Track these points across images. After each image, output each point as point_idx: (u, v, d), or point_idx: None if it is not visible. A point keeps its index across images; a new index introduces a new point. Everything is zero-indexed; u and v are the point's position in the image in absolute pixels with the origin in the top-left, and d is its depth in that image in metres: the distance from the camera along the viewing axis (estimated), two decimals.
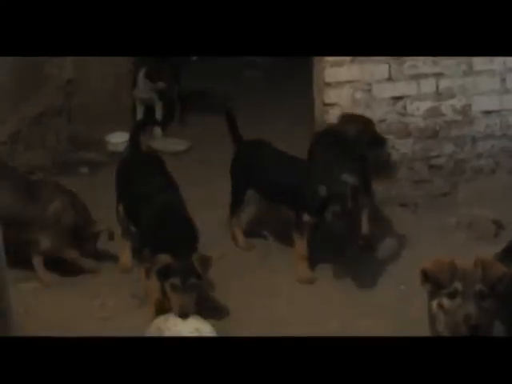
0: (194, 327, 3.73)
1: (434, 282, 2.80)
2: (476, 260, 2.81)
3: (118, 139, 5.87)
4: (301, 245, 4.31)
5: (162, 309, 3.90)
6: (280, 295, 4.13)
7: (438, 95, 4.98)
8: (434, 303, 2.81)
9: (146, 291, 4.04)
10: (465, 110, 5.05)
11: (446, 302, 2.77)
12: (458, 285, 2.76)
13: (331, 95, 4.93)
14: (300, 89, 5.49)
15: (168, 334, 3.68)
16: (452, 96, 5.01)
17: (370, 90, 4.95)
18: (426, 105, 4.98)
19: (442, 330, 2.81)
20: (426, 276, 2.83)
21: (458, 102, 5.03)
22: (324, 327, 3.84)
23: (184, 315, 3.72)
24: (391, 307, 3.98)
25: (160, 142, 6.03)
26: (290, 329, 3.82)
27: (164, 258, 3.76)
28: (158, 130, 6.17)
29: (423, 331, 2.93)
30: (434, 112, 5.00)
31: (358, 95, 4.94)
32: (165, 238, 3.89)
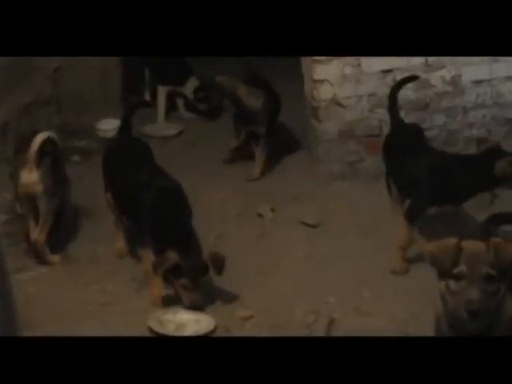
0: (194, 318, 3.75)
1: (438, 265, 2.75)
2: (489, 242, 2.74)
3: (108, 126, 5.84)
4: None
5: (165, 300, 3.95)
6: (279, 272, 4.14)
7: (428, 67, 4.97)
8: (442, 284, 2.76)
9: (144, 266, 4.03)
10: (455, 81, 5.04)
11: (452, 283, 2.71)
12: (462, 268, 2.69)
13: (320, 71, 4.92)
14: (289, 67, 5.47)
15: (168, 326, 3.71)
16: (441, 67, 5.00)
17: (359, 65, 4.94)
18: None
19: (447, 312, 2.75)
20: (430, 256, 2.78)
21: (447, 73, 5.02)
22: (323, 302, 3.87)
23: (194, 309, 3.80)
24: (389, 281, 4.00)
25: (151, 126, 6.01)
26: (291, 305, 3.85)
27: (172, 257, 3.76)
28: (161, 116, 6.17)
29: None
30: (424, 84, 4.99)
31: (348, 70, 4.93)
32: (165, 224, 3.91)
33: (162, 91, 6.21)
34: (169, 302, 3.93)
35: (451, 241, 2.78)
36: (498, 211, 3.91)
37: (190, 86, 6.20)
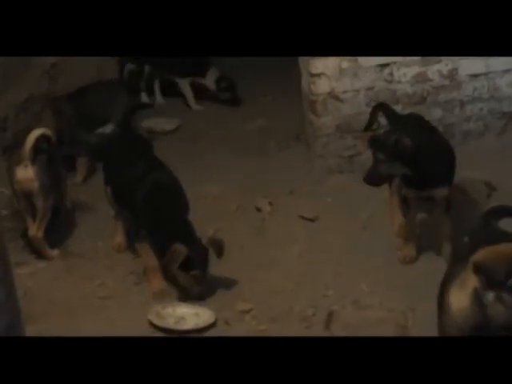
0: (194, 312, 3.77)
1: (488, 276, 2.60)
2: None
3: None
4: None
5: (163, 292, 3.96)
6: (278, 265, 4.15)
7: (425, 60, 4.98)
8: (491, 295, 2.61)
9: (143, 260, 4.05)
10: (452, 75, 5.05)
11: (506, 296, 2.58)
12: None
13: (318, 66, 4.92)
14: (286, 61, 5.47)
15: (168, 319, 3.74)
16: (438, 61, 5.01)
17: (356, 59, 4.94)
18: (413, 71, 4.98)
19: (501, 323, 2.62)
20: (479, 268, 2.62)
21: (444, 67, 5.03)
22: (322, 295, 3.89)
23: (201, 299, 3.84)
24: (387, 273, 4.02)
25: (150, 121, 6.02)
26: (290, 298, 3.86)
27: (181, 250, 3.77)
28: (193, 104, 6.41)
29: None
30: (421, 77, 5.01)
31: (345, 64, 4.93)
32: (160, 219, 3.91)
33: (184, 83, 6.41)
34: (169, 294, 3.95)
35: (503, 248, 2.64)
36: (496, 204, 3.91)
37: (211, 77, 6.40)
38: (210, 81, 6.40)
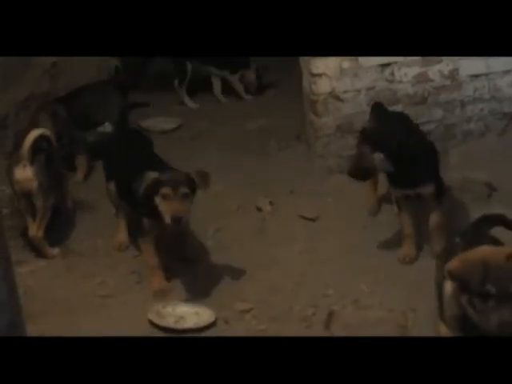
0: (194, 311, 3.77)
1: (462, 283, 2.63)
2: (508, 254, 2.61)
3: None
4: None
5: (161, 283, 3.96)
6: (278, 265, 4.15)
7: (425, 61, 4.98)
8: (464, 298, 2.65)
9: (145, 258, 4.04)
10: (453, 75, 5.06)
11: (477, 302, 2.61)
12: (490, 288, 2.56)
13: (318, 65, 4.92)
14: (286, 61, 5.48)
15: (168, 319, 3.74)
16: (439, 61, 5.02)
17: (356, 59, 4.94)
18: (414, 71, 4.98)
19: (473, 325, 2.65)
20: (452, 277, 2.66)
21: (445, 67, 5.04)
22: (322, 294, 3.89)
23: (176, 220, 3.65)
24: (388, 273, 4.02)
25: (151, 120, 6.03)
26: (290, 298, 3.87)
27: (151, 175, 3.72)
28: (243, 95, 6.62)
29: None
30: (421, 78, 5.01)
31: (345, 64, 4.94)
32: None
33: (234, 79, 6.59)
34: (169, 293, 3.95)
35: (477, 256, 2.65)
36: (493, 208, 3.93)
37: (253, 69, 6.58)
38: (252, 72, 6.57)
